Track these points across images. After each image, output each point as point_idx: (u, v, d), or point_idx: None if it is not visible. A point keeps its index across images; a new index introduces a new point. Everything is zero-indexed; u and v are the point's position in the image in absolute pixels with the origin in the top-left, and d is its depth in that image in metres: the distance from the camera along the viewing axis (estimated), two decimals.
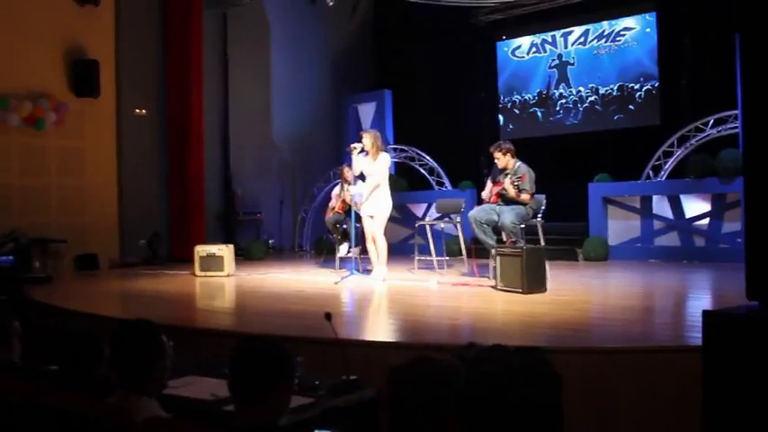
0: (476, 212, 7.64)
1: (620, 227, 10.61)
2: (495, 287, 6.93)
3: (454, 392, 2.01)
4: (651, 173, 10.51)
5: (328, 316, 3.30)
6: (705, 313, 2.91)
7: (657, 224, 10.34)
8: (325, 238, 12.82)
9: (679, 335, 4.97)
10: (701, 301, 6.78)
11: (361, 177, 8.30)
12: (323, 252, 10.74)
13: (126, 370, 2.48)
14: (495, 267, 7.08)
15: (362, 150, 7.97)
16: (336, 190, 9.86)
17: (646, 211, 10.42)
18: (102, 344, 2.78)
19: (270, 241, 13.13)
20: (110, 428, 2.06)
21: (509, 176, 7.49)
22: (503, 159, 7.60)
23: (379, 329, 5.39)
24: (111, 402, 2.37)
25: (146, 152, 11.76)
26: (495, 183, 7.80)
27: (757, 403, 2.68)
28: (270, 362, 2.16)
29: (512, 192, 7.42)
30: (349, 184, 9.10)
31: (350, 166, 8.55)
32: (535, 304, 6.07)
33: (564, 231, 10.56)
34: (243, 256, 11.33)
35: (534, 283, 6.67)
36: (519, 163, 7.66)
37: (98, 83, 10.76)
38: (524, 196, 7.42)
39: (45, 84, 10.33)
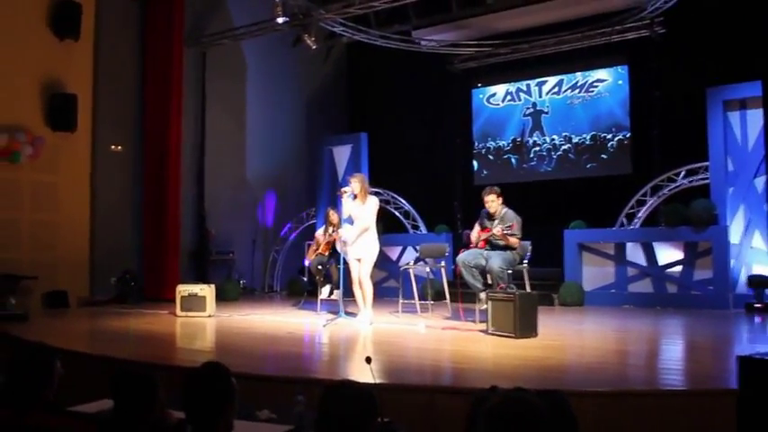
0: (465, 256, 7.80)
1: (594, 273, 10.87)
2: (485, 331, 7.05)
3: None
4: (625, 220, 10.85)
5: (369, 360, 3.39)
6: (740, 359, 3.07)
7: (631, 271, 10.63)
8: (298, 279, 12.84)
9: (656, 378, 5.21)
10: (678, 346, 7.06)
11: (349, 220, 8.41)
12: (303, 294, 10.79)
13: (200, 412, 2.52)
14: (485, 311, 7.21)
15: (352, 194, 8.10)
16: (320, 232, 9.94)
17: (620, 257, 10.71)
18: (159, 386, 2.81)
19: (241, 281, 13.08)
20: None
21: (498, 224, 7.68)
22: (495, 203, 7.79)
23: (385, 373, 5.45)
24: None
25: (121, 189, 11.69)
26: (483, 228, 7.98)
27: None
28: (360, 405, 2.24)
29: (502, 238, 7.59)
30: (335, 227, 9.20)
31: (337, 209, 8.65)
32: (530, 349, 6.21)
33: (539, 276, 10.75)
34: (217, 296, 11.27)
35: (526, 327, 6.83)
36: (506, 210, 7.86)
37: (75, 117, 10.68)
38: (513, 240, 7.62)
39: (22, 117, 10.23)
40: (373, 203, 8.17)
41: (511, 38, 12.47)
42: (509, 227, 7.57)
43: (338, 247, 8.93)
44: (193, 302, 8.93)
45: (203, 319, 8.73)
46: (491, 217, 7.89)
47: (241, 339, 7.21)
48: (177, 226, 11.67)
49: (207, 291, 9.03)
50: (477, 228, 8.07)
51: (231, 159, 13.49)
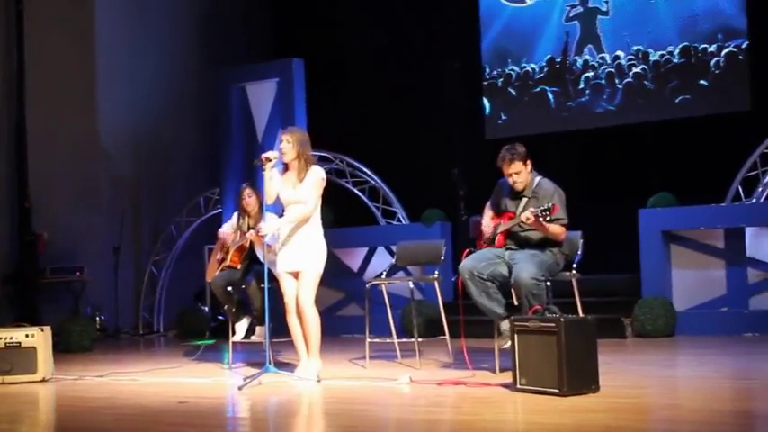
0: (472, 262, 7.80)
1: (692, 280, 10.99)
2: (511, 386, 7.06)
3: None
4: (741, 190, 10.90)
5: None
6: None
7: (754, 275, 10.72)
8: (195, 311, 12.78)
9: None
10: None
11: (274, 208, 8.38)
12: (205, 335, 10.78)
13: None
14: (509, 352, 7.21)
15: (280, 162, 8.07)
16: (227, 229, 9.88)
17: (735, 253, 10.81)
18: None
19: (98, 317, 13.02)
20: None
21: (527, 203, 7.66)
22: (523, 174, 7.77)
23: None
24: None
25: None
26: (500, 213, 7.97)
27: None
28: None
29: (537, 228, 7.57)
30: (252, 218, 9.19)
31: (257, 187, 8.64)
32: (587, 413, 6.21)
33: (600, 289, 10.81)
34: (55, 346, 11.23)
35: (579, 377, 6.83)
36: (540, 179, 7.86)
37: None
38: (556, 228, 7.61)
39: None
40: (316, 178, 8.16)
41: None
42: (546, 210, 7.53)
43: (259, 254, 8.86)
44: (15, 359, 8.85)
45: (33, 387, 8.66)
46: (517, 194, 7.88)
47: (99, 419, 7.14)
48: None
49: (38, 338, 8.95)
50: (488, 212, 8.06)
51: (72, 113, 13.45)
